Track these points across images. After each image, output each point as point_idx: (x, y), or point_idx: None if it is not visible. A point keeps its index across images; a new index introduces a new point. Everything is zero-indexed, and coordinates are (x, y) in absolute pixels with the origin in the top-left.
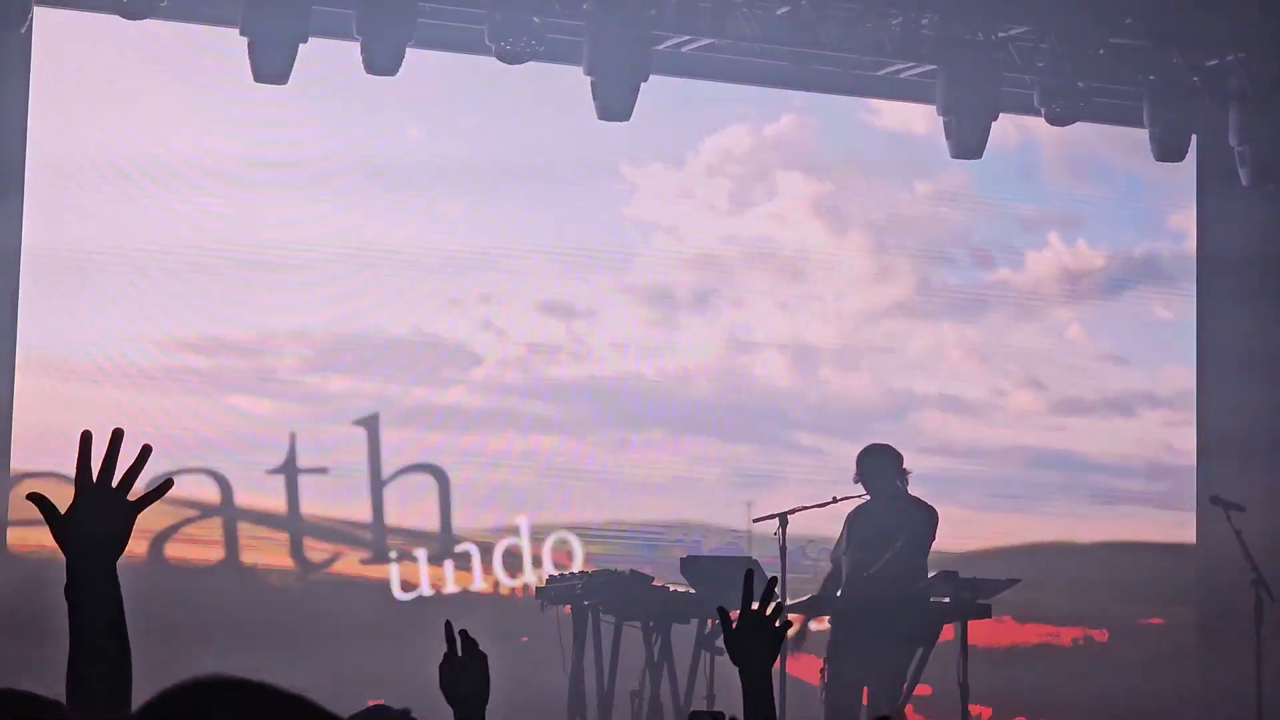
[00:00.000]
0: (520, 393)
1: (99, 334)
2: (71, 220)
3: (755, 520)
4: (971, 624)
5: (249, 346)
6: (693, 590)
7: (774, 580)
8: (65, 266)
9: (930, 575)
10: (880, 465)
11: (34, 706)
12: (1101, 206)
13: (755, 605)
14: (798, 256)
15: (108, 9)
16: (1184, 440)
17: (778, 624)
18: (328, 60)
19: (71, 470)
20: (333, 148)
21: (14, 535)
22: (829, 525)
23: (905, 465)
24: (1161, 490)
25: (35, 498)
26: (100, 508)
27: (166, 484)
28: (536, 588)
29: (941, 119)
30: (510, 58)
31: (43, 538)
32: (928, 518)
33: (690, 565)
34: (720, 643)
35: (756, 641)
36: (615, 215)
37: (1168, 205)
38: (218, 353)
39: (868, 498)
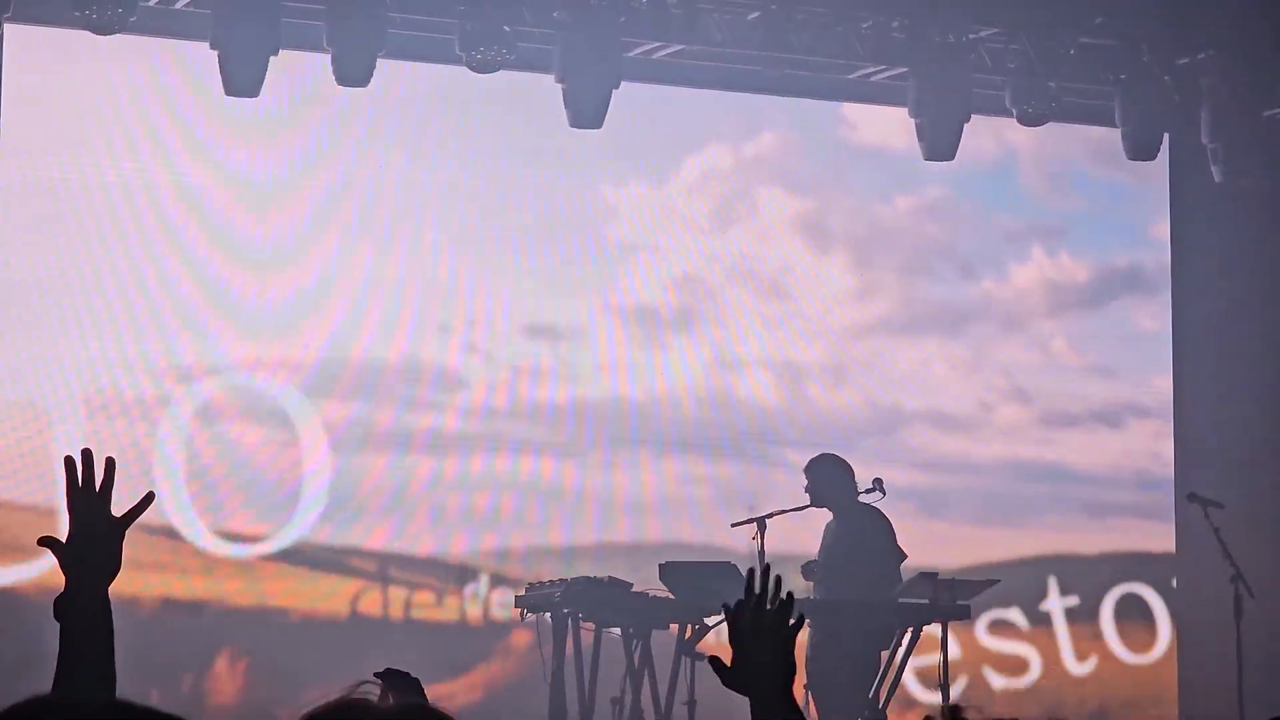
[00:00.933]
0: (507, 415)
1: (74, 360)
2: (39, 241)
3: (733, 525)
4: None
5: (232, 372)
6: (671, 595)
7: (779, 577)
8: (29, 289)
9: (910, 577)
10: (833, 475)
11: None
12: (1083, 217)
13: (758, 597)
14: (781, 274)
15: (77, 25)
16: (1171, 450)
17: (791, 623)
18: (299, 74)
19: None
20: (310, 168)
21: None
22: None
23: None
24: (1151, 501)
25: (46, 541)
26: (92, 524)
27: (148, 498)
28: (516, 596)
29: (915, 124)
30: (482, 67)
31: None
32: (879, 521)
33: (669, 571)
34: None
35: (768, 649)
36: (599, 236)
37: (1150, 215)
38: (197, 379)
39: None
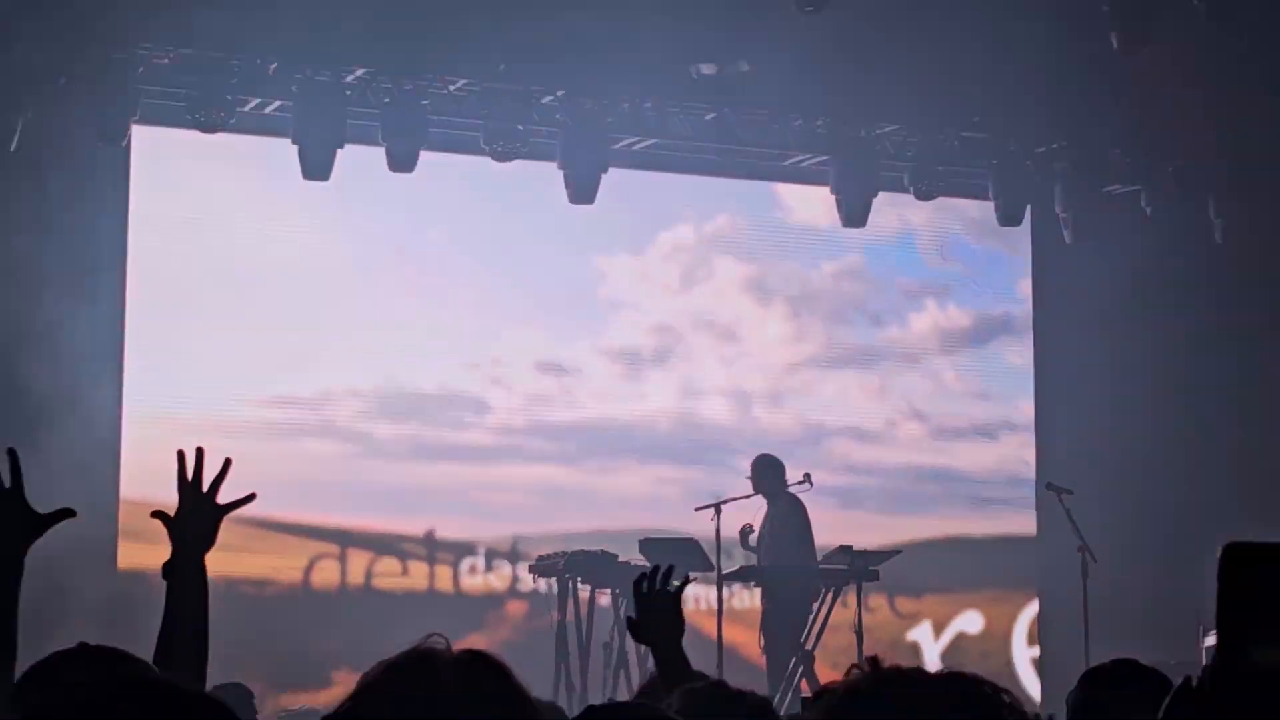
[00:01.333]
0: (523, 433)
1: (194, 390)
2: (163, 300)
3: (696, 509)
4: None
5: (312, 401)
6: (647, 564)
7: (671, 567)
8: (160, 336)
9: (831, 550)
10: (768, 470)
11: (124, 661)
12: (965, 276)
13: (656, 578)
14: (733, 324)
15: (190, 126)
16: (1034, 457)
17: (670, 598)
18: (360, 162)
19: (167, 497)
20: (369, 238)
21: (123, 553)
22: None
23: (787, 473)
24: (1019, 496)
25: (157, 514)
26: (196, 506)
27: (249, 496)
28: (529, 565)
29: (834, 198)
30: (501, 157)
31: (145, 556)
32: (798, 506)
33: (646, 545)
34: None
35: (660, 611)
36: (592, 295)
37: (1017, 273)
38: (287, 406)
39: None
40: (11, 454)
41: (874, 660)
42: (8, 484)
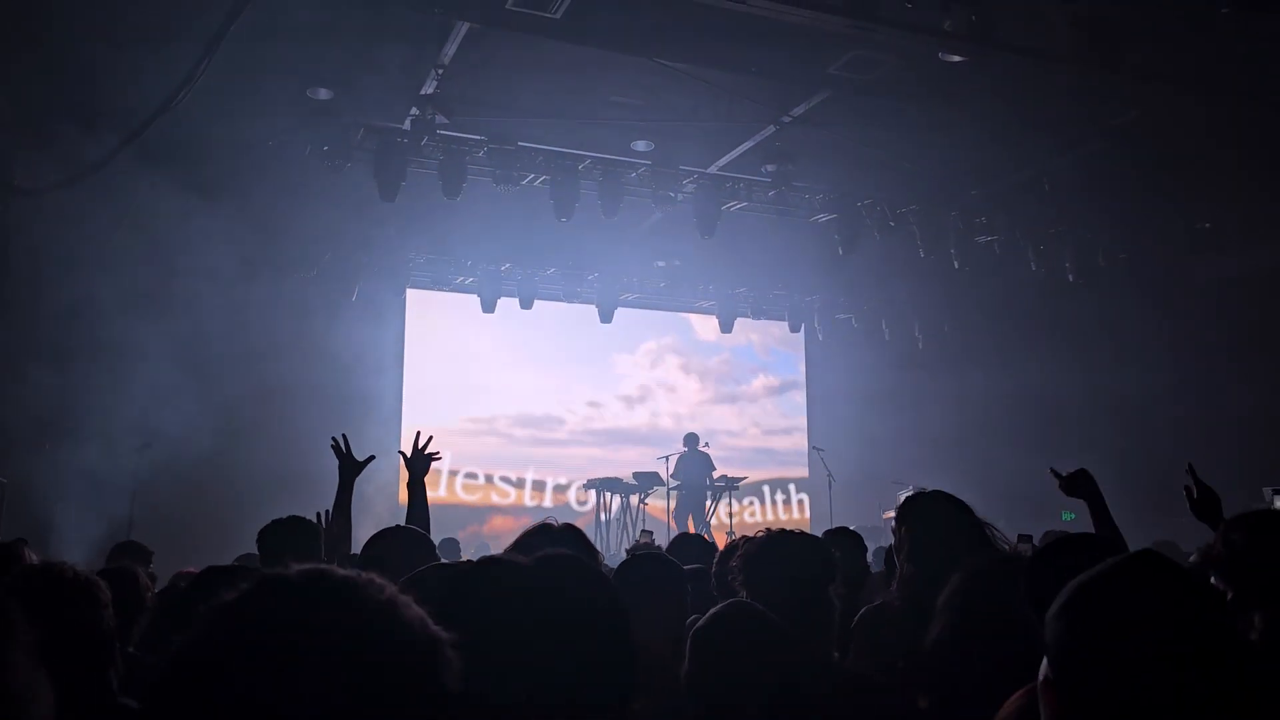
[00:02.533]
0: (582, 432)
1: (428, 415)
2: (432, 392)
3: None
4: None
5: (483, 418)
6: (635, 483)
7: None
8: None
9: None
10: (692, 439)
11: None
12: (773, 361)
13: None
14: (675, 385)
15: (427, 286)
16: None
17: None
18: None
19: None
20: (510, 344)
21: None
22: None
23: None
24: (800, 459)
25: (402, 455)
26: (418, 456)
27: (435, 455)
28: (583, 483)
29: (716, 321)
30: (549, 299)
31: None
32: (705, 457)
33: (637, 476)
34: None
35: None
36: (610, 373)
37: (799, 357)
38: (469, 420)
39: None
40: (344, 437)
41: (768, 529)
42: (345, 449)
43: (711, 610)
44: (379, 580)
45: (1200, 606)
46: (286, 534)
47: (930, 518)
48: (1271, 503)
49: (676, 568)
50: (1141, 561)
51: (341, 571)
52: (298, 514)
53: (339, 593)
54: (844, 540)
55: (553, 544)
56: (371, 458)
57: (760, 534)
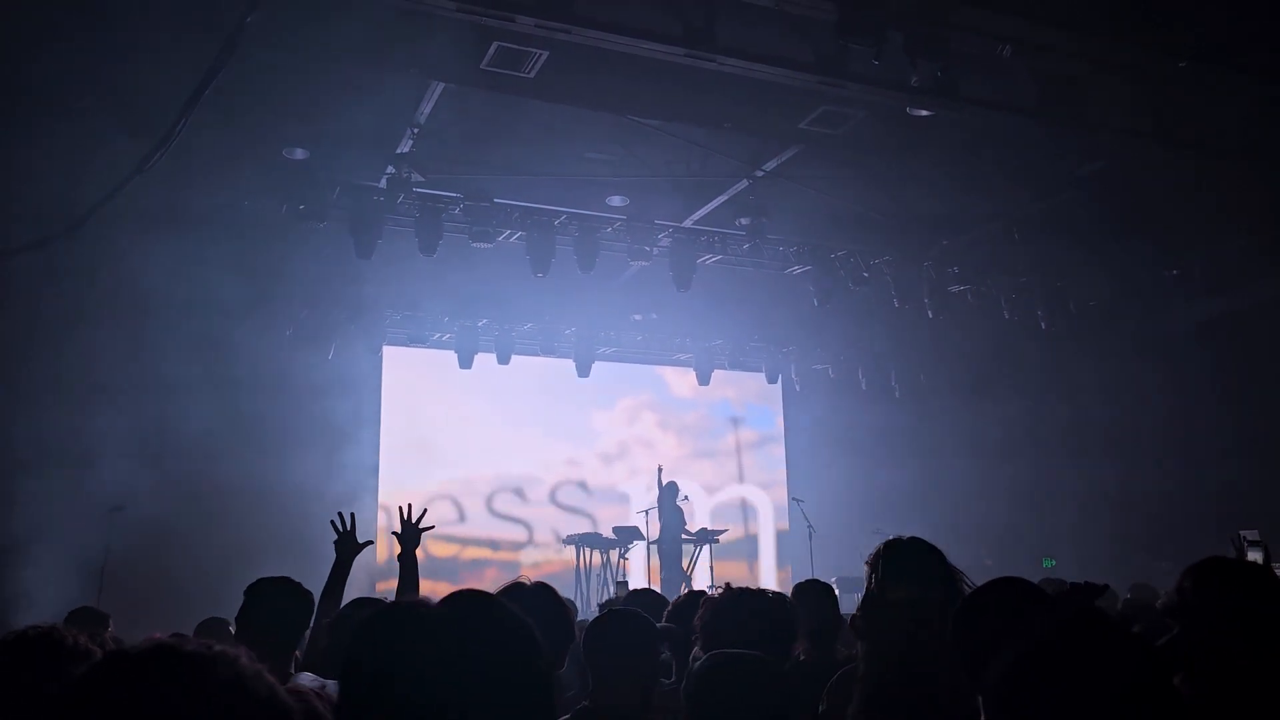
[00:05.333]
0: (559, 486)
1: (407, 480)
2: (409, 450)
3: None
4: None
5: (462, 480)
6: (615, 538)
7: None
8: (410, 461)
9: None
10: (671, 486)
11: (370, 602)
12: (752, 413)
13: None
14: (652, 441)
15: (404, 343)
16: (786, 495)
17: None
18: (449, 362)
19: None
20: (491, 402)
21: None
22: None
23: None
24: (782, 509)
25: (395, 534)
26: (409, 528)
27: (430, 526)
28: (563, 539)
29: (694, 374)
30: (526, 353)
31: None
32: (680, 514)
33: (616, 530)
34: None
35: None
36: (589, 429)
37: (775, 409)
38: (447, 484)
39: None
40: (352, 515)
41: (728, 585)
42: (349, 527)
43: (700, 662)
44: (231, 653)
45: (1137, 674)
46: (276, 595)
47: (899, 563)
48: (1242, 549)
49: (645, 622)
50: (1079, 630)
51: (190, 646)
52: (273, 577)
53: (182, 672)
54: (812, 591)
55: (524, 601)
56: (369, 542)
57: (719, 590)
